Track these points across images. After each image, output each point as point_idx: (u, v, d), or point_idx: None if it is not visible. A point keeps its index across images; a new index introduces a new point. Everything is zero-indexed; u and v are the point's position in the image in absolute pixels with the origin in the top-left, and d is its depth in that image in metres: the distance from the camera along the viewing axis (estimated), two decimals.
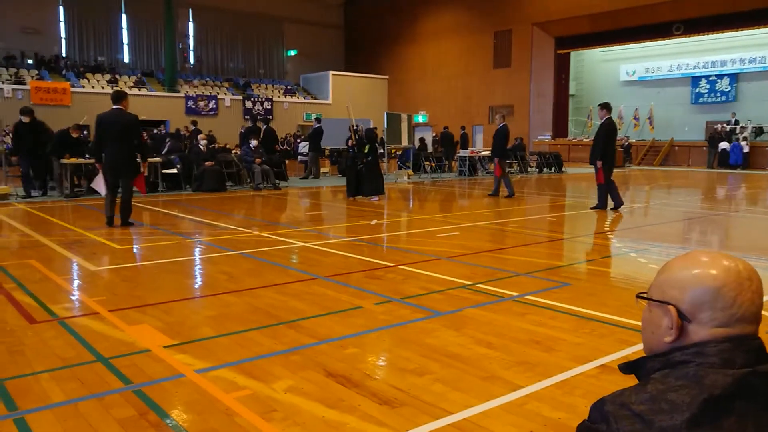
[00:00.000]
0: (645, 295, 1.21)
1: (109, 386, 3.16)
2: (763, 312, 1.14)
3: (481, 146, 29.78)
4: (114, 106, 8.54)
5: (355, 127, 13.05)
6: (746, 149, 24.48)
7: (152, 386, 3.16)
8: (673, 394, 1.04)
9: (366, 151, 12.74)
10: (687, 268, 1.14)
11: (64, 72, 29.00)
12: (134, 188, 8.92)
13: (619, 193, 11.08)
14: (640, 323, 1.25)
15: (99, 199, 12.24)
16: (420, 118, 32.62)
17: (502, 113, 12.79)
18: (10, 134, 19.82)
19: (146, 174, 8.88)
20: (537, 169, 22.80)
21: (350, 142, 13.57)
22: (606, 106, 10.99)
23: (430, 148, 22.56)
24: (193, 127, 21.17)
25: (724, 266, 1.11)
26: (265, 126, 17.56)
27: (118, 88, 12.63)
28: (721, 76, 29.33)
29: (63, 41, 31.38)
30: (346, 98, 34.77)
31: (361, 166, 12.82)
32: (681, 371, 1.07)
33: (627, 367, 1.21)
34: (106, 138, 8.44)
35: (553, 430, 2.67)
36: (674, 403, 1.02)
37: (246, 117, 30.29)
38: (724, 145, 24.93)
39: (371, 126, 15.05)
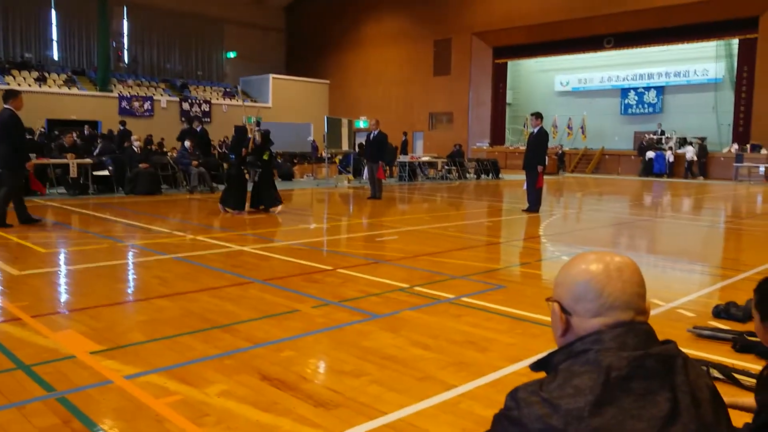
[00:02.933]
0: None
1: (30, 394, 3.01)
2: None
3: (421, 152, 30.16)
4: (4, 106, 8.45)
5: (258, 129, 11.14)
6: (671, 159, 25.67)
7: (77, 393, 3.03)
8: (577, 380, 1.11)
9: (266, 157, 11.08)
10: (567, 267, 1.26)
11: None
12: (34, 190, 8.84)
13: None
14: None
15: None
16: (361, 124, 32.72)
17: (538, 114, 11.62)
18: None
19: (31, 172, 8.83)
20: (475, 176, 23.23)
21: (248, 145, 11.00)
22: (539, 116, 11.44)
23: None
24: (122, 128, 20.27)
25: (594, 261, 1.22)
26: (200, 128, 17.16)
27: (9, 88, 12.19)
28: (648, 89, 30.71)
29: None
30: (287, 102, 34.57)
31: (255, 175, 11.10)
32: (582, 359, 1.16)
33: (537, 365, 1.30)
34: None
35: (486, 427, 2.71)
36: (578, 388, 1.10)
37: (182, 119, 29.61)
38: (651, 154, 26.06)
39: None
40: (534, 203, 11.54)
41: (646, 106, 30.88)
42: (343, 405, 2.95)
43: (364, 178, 18.16)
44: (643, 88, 30.82)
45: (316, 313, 4.53)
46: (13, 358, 3.48)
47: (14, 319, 4.25)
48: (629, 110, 31.47)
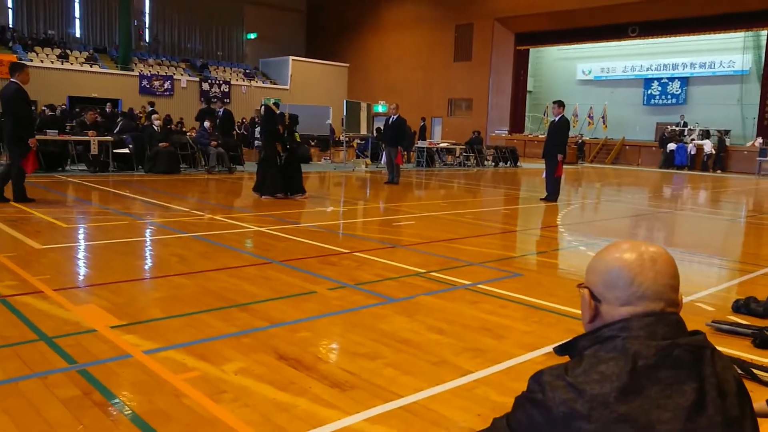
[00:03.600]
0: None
1: (53, 366, 3.07)
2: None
3: (439, 138, 30.02)
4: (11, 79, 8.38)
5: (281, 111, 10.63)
6: (693, 151, 25.33)
7: (98, 366, 3.08)
8: (603, 366, 1.11)
9: (298, 139, 10.77)
10: (601, 254, 1.26)
11: (10, 44, 27.81)
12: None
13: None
14: None
15: (44, 177, 11.86)
16: (380, 108, 32.62)
17: (560, 103, 11.44)
18: None
19: (34, 151, 8.48)
20: (493, 163, 23.09)
21: (284, 122, 10.61)
22: (560, 104, 11.34)
23: None
24: (150, 108, 20.43)
25: (628, 250, 1.21)
26: (222, 109, 17.16)
27: (17, 61, 11.98)
28: (672, 79, 30.26)
29: (10, 12, 30.10)
30: (306, 84, 34.54)
31: (282, 159, 10.45)
32: (609, 345, 1.15)
33: (561, 349, 1.30)
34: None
35: (501, 414, 2.72)
36: (604, 374, 1.10)
37: (201, 99, 29.72)
38: (672, 146, 25.74)
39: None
40: (552, 192, 11.46)
41: (669, 96, 30.45)
42: (358, 387, 2.97)
43: (381, 162, 18.12)
44: (667, 78, 30.37)
45: (333, 295, 4.55)
46: (35, 330, 3.54)
47: (36, 292, 4.32)
48: (652, 101, 31.05)
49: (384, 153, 15.68)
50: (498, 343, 3.69)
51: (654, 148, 27.42)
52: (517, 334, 3.85)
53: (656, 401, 1.08)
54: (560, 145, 11.31)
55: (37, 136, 12.65)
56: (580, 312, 4.14)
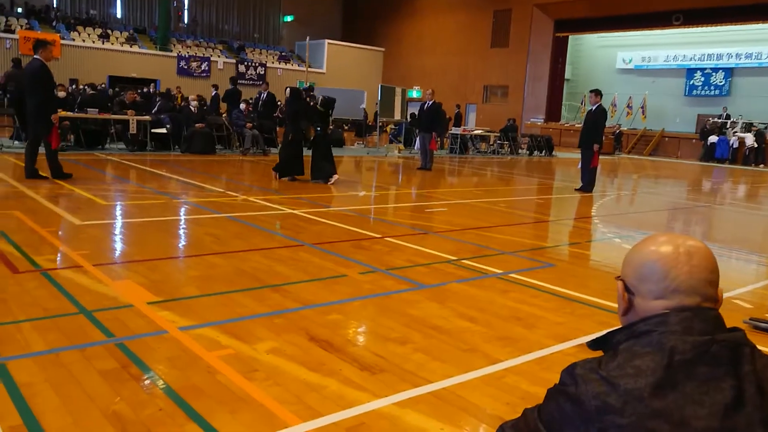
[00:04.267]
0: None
1: (91, 338, 3.16)
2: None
3: (473, 125, 29.75)
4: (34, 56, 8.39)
5: (314, 94, 10.64)
6: (735, 144, 24.65)
7: (135, 341, 3.16)
8: (638, 360, 1.10)
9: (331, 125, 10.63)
10: (637, 246, 1.24)
11: (54, 23, 28.40)
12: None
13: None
14: None
15: (84, 155, 12.13)
16: (414, 93, 32.46)
17: (597, 91, 11.14)
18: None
19: (56, 127, 8.49)
20: (527, 152, 22.83)
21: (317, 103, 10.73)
22: (598, 93, 11.12)
23: None
24: (214, 92, 19.81)
25: (664, 243, 1.20)
26: (266, 92, 16.94)
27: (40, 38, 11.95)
28: (716, 70, 29.40)
29: None
30: (341, 68, 34.54)
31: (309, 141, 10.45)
32: (645, 340, 1.14)
33: (595, 344, 1.29)
34: (23, 89, 8.49)
35: (531, 404, 2.71)
36: (639, 368, 1.09)
37: (230, 80, 29.98)
38: (713, 138, 25.08)
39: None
40: (588, 183, 11.30)
41: (712, 87, 29.61)
42: (388, 370, 3.00)
43: (415, 148, 18.00)
44: (711, 68, 29.52)
45: (364, 279, 4.58)
46: (75, 303, 3.65)
47: (76, 266, 4.44)
48: (694, 91, 30.23)
49: (418, 138, 15.60)
50: (529, 332, 3.67)
51: (694, 141, 26.76)
52: (549, 325, 3.83)
53: (692, 397, 1.07)
54: (597, 135, 11.12)
55: (78, 114, 13.05)
56: (614, 305, 4.08)
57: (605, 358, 1.16)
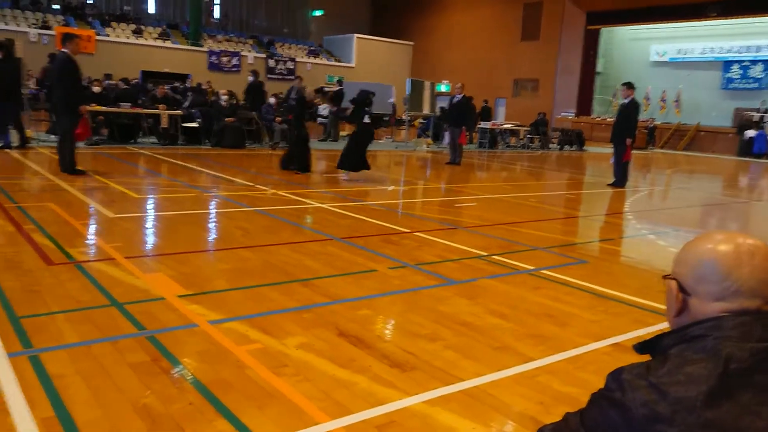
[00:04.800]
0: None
1: (123, 331, 3.18)
2: None
3: (503, 119, 29.44)
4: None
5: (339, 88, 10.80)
6: None
7: (165, 334, 3.17)
8: (690, 367, 1.04)
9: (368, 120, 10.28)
10: (692, 244, 1.17)
11: (89, 19, 28.88)
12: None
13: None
14: (657, 304, 1.25)
15: (117, 148, 12.30)
16: (443, 88, 32.24)
17: (629, 84, 10.93)
18: (35, 79, 19.90)
19: (86, 119, 8.54)
20: (558, 146, 22.51)
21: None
22: (630, 86, 10.89)
23: None
24: (252, 80, 19.72)
25: (723, 242, 1.13)
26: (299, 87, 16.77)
27: (69, 32, 11.80)
28: (754, 62, 28.56)
29: None
30: (370, 62, 34.50)
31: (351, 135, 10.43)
32: (698, 345, 1.07)
33: (642, 347, 1.23)
34: (50, 81, 8.52)
35: (565, 404, 2.65)
36: (691, 376, 1.02)
37: (268, 75, 30.14)
38: (751, 133, 24.40)
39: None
40: (620, 178, 11.08)
41: (750, 80, 28.77)
42: (418, 368, 2.95)
43: (444, 142, 17.77)
44: (749, 61, 28.67)
45: (393, 275, 4.54)
46: (108, 296, 3.68)
47: (109, 259, 4.48)
48: (731, 85, 29.42)
49: (447, 133, 15.43)
50: (561, 330, 3.59)
51: (731, 135, 26.06)
52: (582, 323, 3.74)
53: (749, 407, 1.00)
54: (629, 129, 10.88)
55: (111, 109, 13.24)
56: (651, 303, 3.97)
57: (654, 363, 1.09)
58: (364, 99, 10.27)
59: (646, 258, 5.84)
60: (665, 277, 1.22)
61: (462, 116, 13.99)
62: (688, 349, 1.08)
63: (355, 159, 10.00)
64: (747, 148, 24.40)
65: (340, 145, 16.41)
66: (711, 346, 1.06)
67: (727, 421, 0.99)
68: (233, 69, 30.62)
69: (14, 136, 11.14)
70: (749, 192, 13.02)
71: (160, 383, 2.64)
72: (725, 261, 1.11)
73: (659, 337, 1.18)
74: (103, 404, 2.44)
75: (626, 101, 10.93)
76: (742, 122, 25.38)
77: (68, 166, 8.48)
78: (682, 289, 1.16)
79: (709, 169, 18.41)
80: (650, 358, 1.15)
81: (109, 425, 2.30)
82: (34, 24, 26.53)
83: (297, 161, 10.53)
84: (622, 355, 3.24)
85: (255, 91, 16.49)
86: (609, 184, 11.22)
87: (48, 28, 26.48)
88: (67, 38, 8.49)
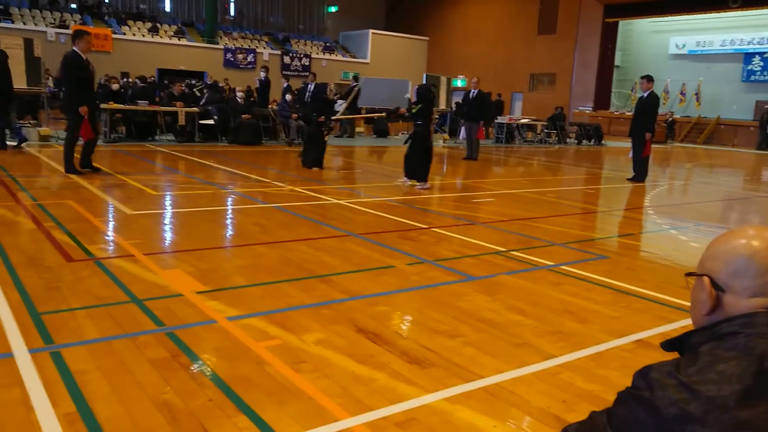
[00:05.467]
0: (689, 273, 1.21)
1: (142, 327, 3.19)
2: None
3: (519, 114, 29.24)
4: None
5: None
6: None
7: (184, 330, 3.18)
8: (722, 365, 1.00)
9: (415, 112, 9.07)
10: (724, 240, 1.14)
11: (106, 18, 29.13)
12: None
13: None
14: (681, 300, 1.21)
15: (135, 146, 12.39)
16: (459, 83, 32.08)
17: (649, 78, 10.75)
18: (53, 78, 20.11)
19: (86, 121, 8.14)
20: (576, 141, 22.30)
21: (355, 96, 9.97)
22: (650, 79, 10.76)
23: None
24: (285, 84, 19.61)
25: (758, 236, 1.10)
26: (314, 83, 16.68)
27: (79, 28, 11.23)
28: None
29: None
30: (385, 58, 34.43)
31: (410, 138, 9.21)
32: (730, 342, 1.04)
33: (669, 345, 1.19)
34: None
35: (587, 401, 2.61)
36: (724, 374, 0.98)
37: (283, 72, 30.19)
38: None
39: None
40: (640, 172, 10.94)
41: None
42: (437, 365, 2.93)
43: (460, 138, 17.61)
44: None
45: (411, 271, 4.51)
46: (127, 292, 3.69)
47: (128, 255, 4.50)
48: (752, 77, 28.94)
49: (464, 128, 15.30)
50: (583, 327, 3.54)
51: (752, 128, 25.66)
52: (604, 319, 3.69)
53: None
54: (649, 123, 10.74)
55: (129, 107, 13.33)
56: (673, 300, 3.89)
57: (683, 361, 1.05)
58: (430, 95, 9.25)
59: (668, 253, 5.76)
60: (691, 274, 1.18)
61: (479, 111, 13.90)
62: (719, 347, 1.04)
63: (424, 166, 8.92)
64: None
65: (357, 142, 16.39)
66: (743, 343, 1.02)
67: (763, 422, 0.95)
68: (249, 66, 30.71)
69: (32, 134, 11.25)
70: None
71: (179, 379, 2.64)
72: (764, 255, 1.07)
73: (688, 335, 1.14)
74: (124, 400, 2.44)
75: (645, 94, 10.80)
76: (765, 115, 24.92)
77: (67, 166, 8.28)
78: (715, 285, 1.12)
79: (730, 162, 18.14)
80: (678, 356, 1.12)
81: (129, 421, 2.30)
82: (51, 23, 26.81)
83: (311, 156, 10.46)
84: (645, 352, 3.19)
85: (264, 88, 16.57)
86: (629, 179, 11.09)
87: (66, 27, 26.74)
88: (76, 36, 8.28)
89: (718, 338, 1.06)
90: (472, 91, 13.97)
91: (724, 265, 1.11)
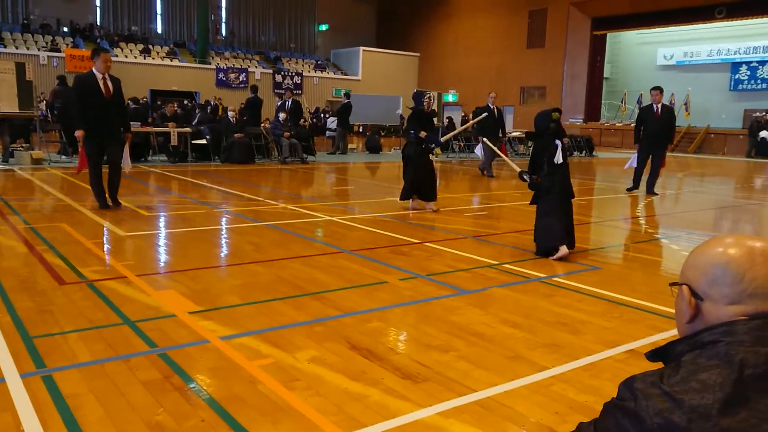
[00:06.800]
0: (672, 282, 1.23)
1: (135, 349, 3.18)
2: None
3: (510, 127, 29.36)
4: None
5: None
6: None
7: (177, 351, 3.17)
8: (704, 374, 1.01)
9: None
10: (702, 248, 1.15)
11: (98, 41, 29.25)
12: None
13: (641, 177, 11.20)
14: (672, 310, 1.23)
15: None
16: (450, 97, 32.29)
17: (660, 88, 10.86)
18: (45, 101, 20.16)
19: (82, 149, 7.42)
20: (567, 152, 22.41)
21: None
22: (662, 90, 11.00)
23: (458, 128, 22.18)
24: (289, 102, 19.57)
25: (735, 244, 1.11)
26: (291, 99, 17.21)
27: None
28: (763, 63, 28.41)
29: (98, 9, 31.62)
30: (377, 75, 34.66)
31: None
32: (711, 351, 1.05)
33: (654, 355, 1.20)
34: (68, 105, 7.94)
35: (580, 413, 2.62)
36: (705, 383, 1.00)
37: (275, 90, 30.34)
38: (764, 134, 24.19)
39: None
40: (642, 182, 11.09)
41: (759, 81, 28.62)
42: (431, 379, 2.93)
43: (477, 154, 16.32)
44: (757, 62, 28.53)
45: (404, 286, 4.52)
46: (119, 314, 3.69)
47: (121, 277, 4.50)
48: (740, 86, 29.28)
49: (481, 144, 14.24)
50: (575, 338, 3.55)
51: (741, 137, 25.88)
52: (596, 330, 3.70)
53: (766, 415, 0.97)
54: (671, 135, 11.07)
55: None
56: (666, 309, 3.91)
57: (667, 371, 1.07)
58: (422, 100, 8.44)
59: (661, 263, 5.79)
60: (673, 284, 1.20)
61: (499, 126, 13.97)
62: (701, 355, 1.06)
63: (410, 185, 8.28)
64: (761, 149, 24.07)
65: (350, 158, 16.41)
66: (723, 351, 1.03)
67: (744, 429, 0.96)
68: (241, 85, 30.86)
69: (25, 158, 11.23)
70: (762, 193, 12.89)
71: (172, 400, 2.63)
72: (740, 263, 1.09)
73: (671, 345, 1.16)
74: (117, 423, 2.43)
75: (658, 107, 10.86)
76: (755, 123, 25.12)
77: (99, 201, 7.44)
78: (694, 293, 1.14)
79: (721, 171, 18.27)
80: (663, 366, 1.13)
81: None
82: (44, 47, 26.90)
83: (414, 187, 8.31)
84: (638, 362, 3.20)
85: (252, 107, 16.65)
86: (648, 192, 11.06)
87: (58, 50, 26.84)
88: (93, 55, 7.61)
89: (700, 347, 1.08)
90: (493, 106, 13.88)
91: (702, 273, 1.13)
